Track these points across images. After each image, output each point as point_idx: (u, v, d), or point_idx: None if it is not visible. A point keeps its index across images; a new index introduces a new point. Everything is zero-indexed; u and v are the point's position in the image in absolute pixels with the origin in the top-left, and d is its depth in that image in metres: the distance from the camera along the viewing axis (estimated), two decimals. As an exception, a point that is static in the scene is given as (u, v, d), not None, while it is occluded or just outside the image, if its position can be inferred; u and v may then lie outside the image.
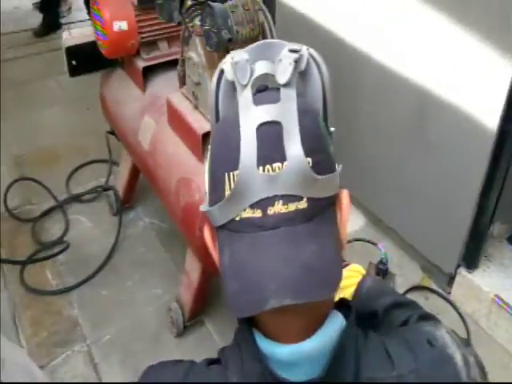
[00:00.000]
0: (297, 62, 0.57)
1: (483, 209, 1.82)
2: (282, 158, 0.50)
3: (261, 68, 0.56)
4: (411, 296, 2.00)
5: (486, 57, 1.60)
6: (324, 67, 0.64)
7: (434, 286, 2.06)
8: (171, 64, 1.69)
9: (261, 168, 0.50)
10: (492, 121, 1.65)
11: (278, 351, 0.52)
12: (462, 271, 1.96)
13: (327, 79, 0.64)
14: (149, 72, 1.78)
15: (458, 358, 0.60)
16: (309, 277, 0.49)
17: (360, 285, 0.86)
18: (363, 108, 2.18)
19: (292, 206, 0.50)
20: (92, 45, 1.76)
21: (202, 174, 0.64)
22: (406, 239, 2.17)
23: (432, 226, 2.02)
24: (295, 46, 0.59)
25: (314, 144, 0.53)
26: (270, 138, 0.51)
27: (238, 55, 0.57)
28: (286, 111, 0.53)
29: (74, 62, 1.82)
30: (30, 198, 2.32)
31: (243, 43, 1.33)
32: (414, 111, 1.94)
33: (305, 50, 0.60)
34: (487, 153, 1.70)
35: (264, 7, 1.42)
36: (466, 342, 0.66)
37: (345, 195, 0.58)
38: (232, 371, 0.55)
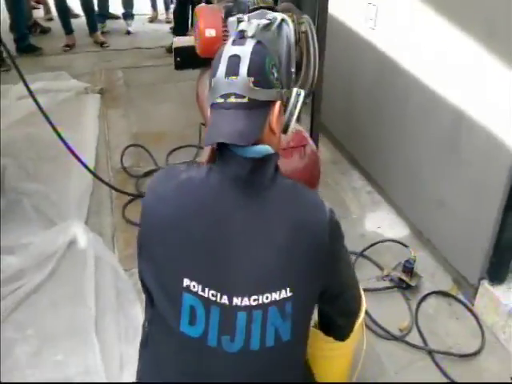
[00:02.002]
0: (269, 24, 1.12)
1: (505, 224, 1.88)
2: (237, 74, 0.92)
3: (241, 26, 1.03)
4: (435, 300, 2.12)
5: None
6: (291, 31, 1.22)
7: (460, 296, 2.14)
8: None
9: (226, 78, 0.92)
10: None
11: (242, 149, 0.93)
12: (485, 283, 2.02)
13: (291, 37, 1.23)
14: (229, 69, 2.36)
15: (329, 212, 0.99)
16: (238, 134, 0.90)
17: None
18: (407, 129, 2.41)
19: (239, 99, 0.91)
20: (193, 48, 2.36)
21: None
22: (440, 250, 2.28)
23: (461, 238, 2.12)
24: (271, 16, 1.15)
25: (256, 71, 0.92)
26: (233, 64, 0.92)
27: (233, 18, 1.10)
28: (245, 51, 0.93)
29: (178, 59, 2.45)
30: (139, 161, 3.05)
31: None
32: (450, 130, 2.09)
33: (278, 19, 1.17)
34: (509, 170, 1.78)
35: (308, 19, 1.89)
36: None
37: (277, 105, 0.97)
38: (215, 167, 0.96)
